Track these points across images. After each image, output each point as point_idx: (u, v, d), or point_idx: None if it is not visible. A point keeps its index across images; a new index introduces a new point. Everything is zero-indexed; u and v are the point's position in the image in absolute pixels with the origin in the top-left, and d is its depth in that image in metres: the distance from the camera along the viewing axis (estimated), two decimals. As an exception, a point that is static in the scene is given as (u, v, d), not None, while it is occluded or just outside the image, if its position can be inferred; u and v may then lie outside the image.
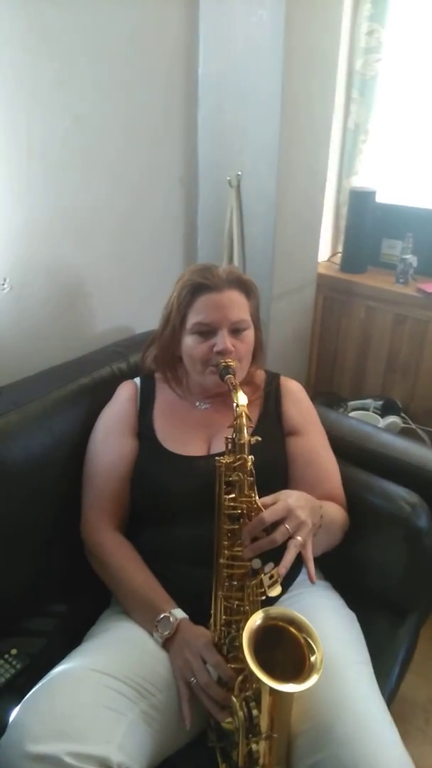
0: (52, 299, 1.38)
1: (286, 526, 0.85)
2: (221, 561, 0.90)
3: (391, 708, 1.08)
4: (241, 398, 0.95)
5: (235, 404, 0.94)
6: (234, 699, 0.83)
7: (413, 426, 1.99)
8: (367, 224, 2.07)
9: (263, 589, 0.85)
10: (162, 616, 0.95)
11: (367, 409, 2.03)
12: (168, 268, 1.66)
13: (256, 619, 0.81)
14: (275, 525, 0.86)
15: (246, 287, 1.13)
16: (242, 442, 0.91)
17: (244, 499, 0.89)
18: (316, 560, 1.16)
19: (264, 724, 0.80)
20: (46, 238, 1.33)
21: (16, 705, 0.82)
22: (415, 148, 2.07)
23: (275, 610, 0.83)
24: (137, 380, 1.25)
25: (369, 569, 1.21)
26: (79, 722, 0.76)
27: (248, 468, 0.90)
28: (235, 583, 0.90)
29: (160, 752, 0.87)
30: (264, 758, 0.82)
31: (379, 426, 1.89)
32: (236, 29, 1.50)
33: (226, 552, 0.90)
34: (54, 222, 1.33)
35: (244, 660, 0.76)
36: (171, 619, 0.95)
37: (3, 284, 1.27)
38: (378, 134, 2.13)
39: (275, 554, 0.85)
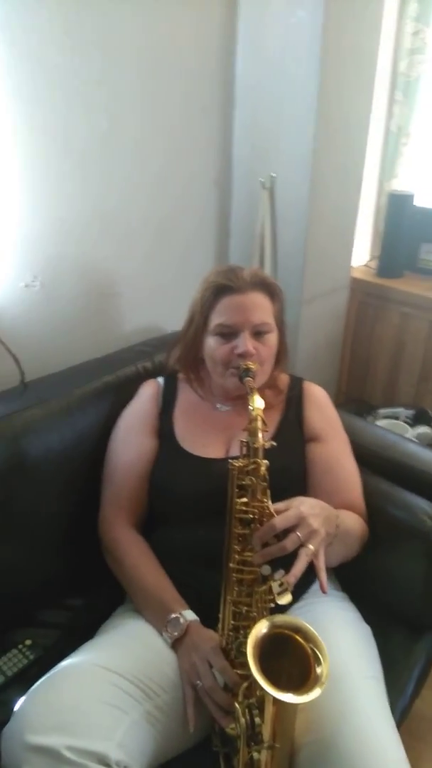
0: (82, 298, 1.40)
1: (298, 533, 0.84)
2: (231, 565, 0.90)
3: (404, 725, 1.06)
4: (258, 402, 0.94)
5: (250, 408, 0.93)
6: (237, 705, 0.82)
7: (445, 437, 1.94)
8: (404, 228, 2.03)
9: (272, 596, 0.84)
10: (172, 616, 0.95)
11: (397, 418, 1.99)
12: (200, 270, 1.64)
13: (262, 627, 0.80)
14: (287, 532, 0.85)
15: (270, 290, 1.11)
16: (256, 446, 0.90)
17: (256, 504, 0.88)
18: (334, 570, 1.15)
19: (266, 733, 0.79)
20: (78, 238, 1.35)
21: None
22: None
23: (282, 617, 0.81)
24: (160, 379, 1.25)
25: (387, 582, 1.18)
26: (80, 717, 0.76)
27: (262, 473, 0.89)
28: (245, 588, 0.89)
29: (162, 753, 0.87)
30: (266, 768, 0.81)
31: (408, 436, 1.84)
32: (275, 30, 1.49)
33: (236, 556, 0.90)
34: (87, 222, 1.36)
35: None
36: (181, 620, 0.94)
37: (34, 281, 1.29)
38: (419, 137, 2.08)
39: (286, 561, 0.84)
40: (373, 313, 2.14)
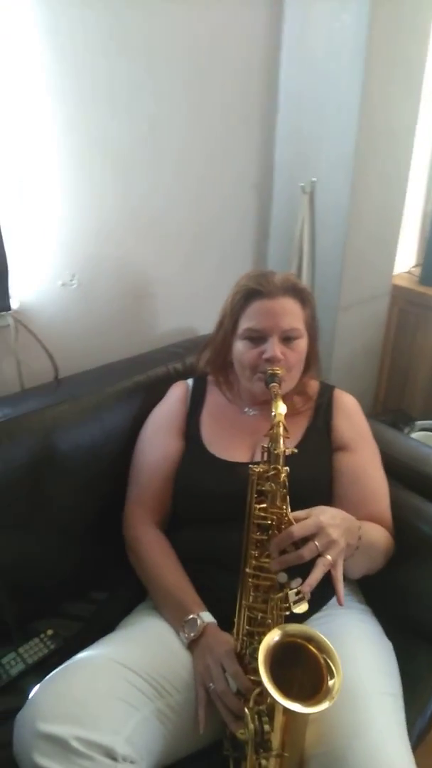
0: (118, 298, 1.43)
1: (316, 543, 0.83)
2: (247, 570, 0.89)
3: (422, 745, 1.03)
4: (281, 408, 0.93)
5: (273, 413, 0.93)
6: (247, 711, 0.82)
7: None
8: (450, 235, 1.97)
9: (288, 604, 0.83)
10: (190, 617, 0.96)
11: (435, 430, 1.94)
12: (237, 273, 1.64)
13: (275, 634, 0.79)
14: (305, 540, 0.84)
15: (301, 295, 1.11)
16: (277, 452, 0.89)
17: (275, 510, 0.88)
18: (358, 583, 1.14)
19: (276, 741, 0.79)
20: (116, 239, 1.38)
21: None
22: None
23: (297, 626, 0.81)
24: (190, 381, 1.26)
25: (413, 599, 1.16)
26: (90, 709, 0.77)
27: (281, 479, 0.88)
28: (260, 594, 0.89)
29: (171, 753, 0.87)
30: (274, 777, 0.80)
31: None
32: (319, 34, 1.49)
33: (253, 562, 0.89)
34: (125, 223, 1.38)
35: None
36: (198, 621, 0.95)
37: (72, 280, 1.33)
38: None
39: (304, 570, 0.83)
40: (415, 322, 2.09)
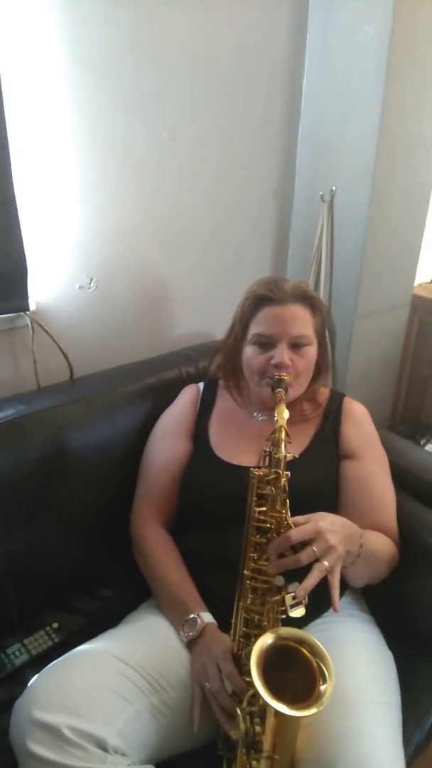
0: (135, 301, 1.46)
1: (314, 548, 0.83)
2: (245, 572, 0.90)
3: (419, 760, 1.02)
4: (284, 413, 0.94)
5: (275, 418, 0.94)
6: (239, 711, 0.83)
7: None
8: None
9: (284, 608, 0.84)
10: (190, 616, 0.97)
11: (452, 442, 1.91)
12: (253, 280, 1.68)
13: (269, 636, 0.80)
14: (304, 545, 0.85)
15: (311, 303, 1.11)
16: (278, 456, 0.90)
17: (274, 514, 0.88)
18: (362, 592, 1.13)
19: (267, 743, 0.79)
20: (134, 243, 1.41)
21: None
22: None
23: (289, 630, 0.81)
24: (201, 385, 1.28)
25: (418, 611, 1.15)
26: (85, 700, 0.79)
27: (282, 483, 0.89)
28: (258, 596, 0.90)
29: (165, 749, 0.88)
30: (264, 778, 0.81)
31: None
32: (341, 45, 1.50)
33: (251, 564, 0.90)
34: (143, 228, 1.41)
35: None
36: (198, 621, 0.96)
37: (90, 283, 1.36)
38: None
39: (303, 575, 0.83)
40: (435, 333, 2.08)
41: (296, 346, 1.09)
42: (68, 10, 1.13)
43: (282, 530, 0.87)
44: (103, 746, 0.76)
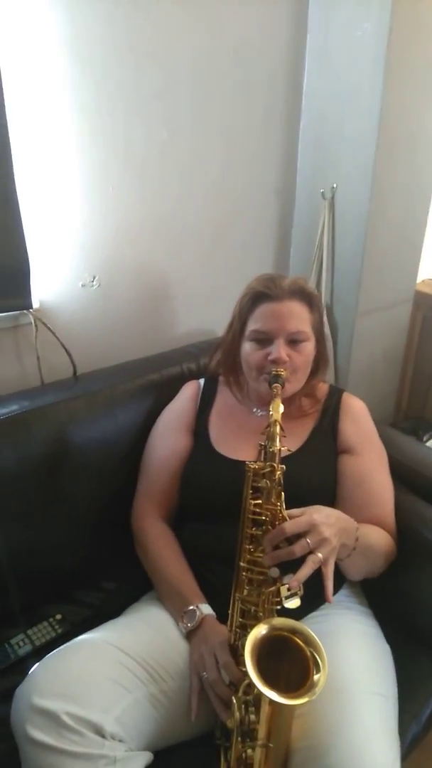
0: (137, 299, 1.48)
1: (307, 540, 0.85)
2: (241, 564, 0.92)
3: (415, 752, 1.03)
4: (278, 407, 0.95)
5: (271, 412, 0.95)
6: (234, 699, 0.84)
7: None
8: None
9: (279, 599, 0.85)
10: (189, 608, 0.99)
11: (455, 439, 1.91)
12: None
13: (263, 627, 0.82)
14: (299, 537, 0.86)
15: (309, 299, 1.12)
16: (273, 450, 0.91)
17: (269, 506, 0.90)
18: (361, 586, 1.14)
19: (261, 731, 0.81)
20: (136, 242, 1.42)
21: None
22: None
23: (283, 620, 0.83)
24: (201, 381, 1.30)
25: (416, 605, 1.16)
26: (83, 688, 0.81)
27: (277, 477, 0.90)
28: (254, 588, 0.91)
29: (163, 737, 0.90)
30: (259, 766, 0.82)
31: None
32: (341, 42, 1.51)
33: (247, 556, 0.92)
34: (145, 227, 1.43)
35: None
36: (197, 613, 0.98)
37: (93, 281, 1.38)
38: None
39: (298, 567, 0.85)
40: (439, 329, 2.08)
41: (293, 342, 1.10)
42: (69, 10, 1.15)
43: (277, 522, 0.88)
44: (100, 732, 0.78)
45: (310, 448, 1.12)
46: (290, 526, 0.85)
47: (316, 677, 0.77)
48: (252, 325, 1.11)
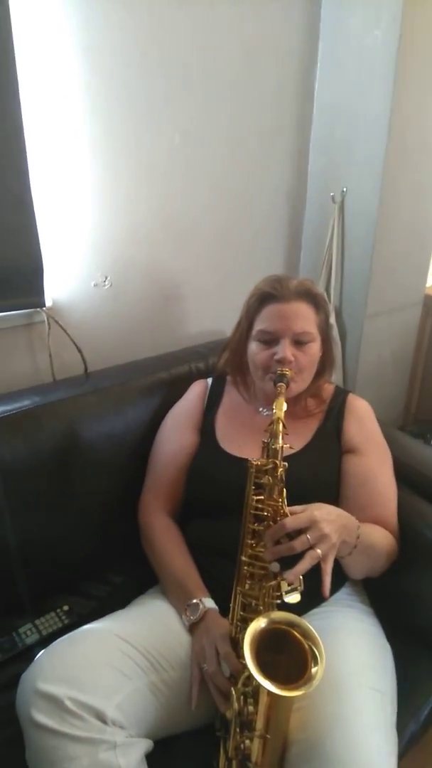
0: (148, 298, 1.50)
1: (308, 536, 0.86)
2: (243, 558, 0.94)
3: (413, 750, 1.04)
4: (282, 406, 0.97)
5: (274, 410, 0.97)
6: (233, 690, 0.86)
7: None
8: None
9: (279, 593, 0.87)
10: (193, 601, 1.01)
11: (463, 442, 1.91)
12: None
13: (262, 620, 0.83)
14: (299, 533, 0.88)
15: (315, 300, 1.14)
16: (275, 447, 0.93)
17: (271, 502, 0.91)
18: (363, 585, 1.15)
19: (259, 722, 0.83)
20: (147, 243, 1.45)
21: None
22: None
23: (282, 613, 0.84)
24: (209, 380, 1.32)
25: (418, 605, 1.16)
26: (86, 674, 0.84)
27: (279, 473, 0.92)
28: (255, 582, 0.93)
29: (164, 726, 0.92)
30: (256, 757, 0.84)
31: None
32: (352, 48, 1.52)
33: (249, 550, 0.94)
34: (156, 228, 1.45)
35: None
36: (200, 606, 1.00)
37: (105, 281, 1.41)
38: None
39: (298, 562, 0.87)
40: (449, 333, 2.08)
41: (299, 342, 1.12)
42: (85, 18, 1.18)
43: (278, 518, 0.90)
44: (101, 718, 0.80)
45: (314, 448, 1.14)
46: (291, 522, 0.87)
47: (314, 670, 0.79)
48: (258, 326, 1.13)
